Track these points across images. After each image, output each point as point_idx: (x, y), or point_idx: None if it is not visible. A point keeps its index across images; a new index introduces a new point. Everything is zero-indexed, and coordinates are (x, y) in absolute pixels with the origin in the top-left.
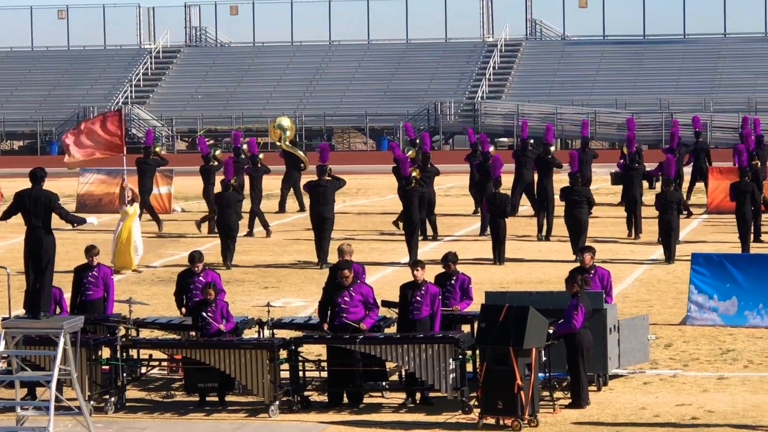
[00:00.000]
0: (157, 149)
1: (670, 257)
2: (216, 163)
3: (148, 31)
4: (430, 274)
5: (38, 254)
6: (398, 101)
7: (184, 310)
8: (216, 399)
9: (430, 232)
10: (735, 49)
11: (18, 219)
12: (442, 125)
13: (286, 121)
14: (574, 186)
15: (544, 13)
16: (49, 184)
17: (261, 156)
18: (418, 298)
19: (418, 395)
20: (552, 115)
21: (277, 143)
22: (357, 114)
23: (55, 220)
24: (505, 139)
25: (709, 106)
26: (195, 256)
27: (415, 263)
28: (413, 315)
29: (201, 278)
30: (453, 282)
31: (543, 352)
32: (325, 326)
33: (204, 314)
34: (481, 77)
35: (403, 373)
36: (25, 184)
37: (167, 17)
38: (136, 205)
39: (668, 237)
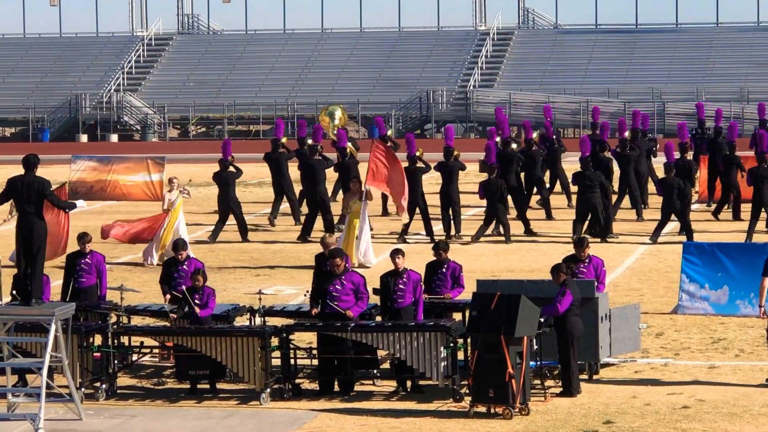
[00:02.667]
0: (284, 140)
1: (687, 228)
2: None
3: (140, 19)
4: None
5: (29, 240)
6: (390, 89)
7: (168, 296)
8: (207, 386)
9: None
10: (727, 38)
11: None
12: (434, 114)
13: (338, 111)
14: (586, 170)
15: (536, 2)
16: (41, 171)
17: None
18: (401, 286)
19: (409, 383)
20: (544, 104)
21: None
22: (349, 102)
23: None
24: None
25: (701, 95)
26: (179, 244)
27: (395, 251)
28: (397, 303)
29: (185, 266)
30: (444, 270)
31: (534, 340)
32: (314, 311)
33: (188, 298)
34: (473, 66)
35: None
36: (17, 170)
37: (160, 4)
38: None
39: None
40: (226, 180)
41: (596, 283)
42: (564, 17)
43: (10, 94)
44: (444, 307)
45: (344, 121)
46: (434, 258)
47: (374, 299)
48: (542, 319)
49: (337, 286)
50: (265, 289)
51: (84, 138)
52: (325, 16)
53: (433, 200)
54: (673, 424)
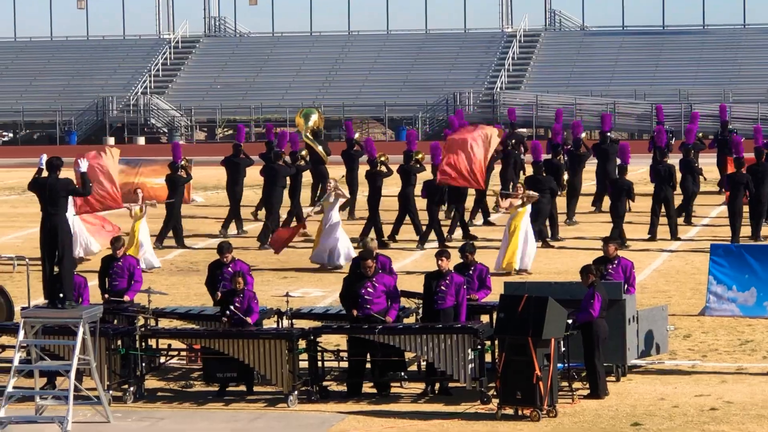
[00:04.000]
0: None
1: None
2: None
3: (167, 21)
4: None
5: (54, 242)
6: (417, 91)
7: (219, 294)
8: (237, 389)
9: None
10: (754, 39)
11: (38, 209)
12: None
13: (314, 114)
14: (538, 175)
15: (563, 3)
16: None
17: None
18: (442, 287)
19: (437, 385)
20: (571, 106)
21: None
22: (376, 104)
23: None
24: (524, 130)
25: (728, 97)
26: (224, 247)
27: (440, 253)
28: (438, 305)
29: (230, 269)
30: (471, 272)
31: (562, 342)
32: (355, 312)
33: (231, 308)
34: (500, 68)
35: (423, 363)
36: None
37: (186, 7)
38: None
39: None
40: (174, 183)
41: (626, 286)
42: (591, 19)
43: (38, 96)
44: (472, 310)
45: (319, 125)
46: (461, 261)
47: (402, 301)
48: (570, 321)
49: (368, 289)
50: (293, 292)
51: (111, 140)
52: (352, 18)
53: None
54: (701, 426)
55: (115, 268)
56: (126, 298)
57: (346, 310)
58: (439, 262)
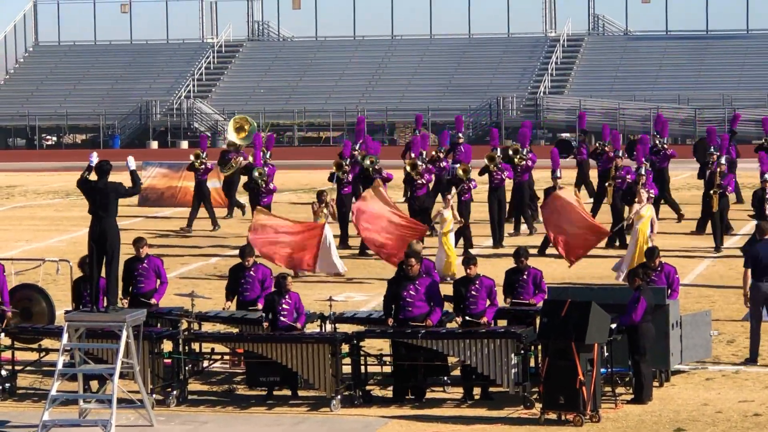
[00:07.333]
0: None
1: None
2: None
3: (210, 26)
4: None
5: (103, 246)
6: (460, 96)
7: (228, 304)
8: (280, 393)
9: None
10: None
11: (81, 212)
12: (504, 120)
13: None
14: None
15: (606, 8)
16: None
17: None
18: (473, 292)
19: (477, 391)
20: (614, 111)
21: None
22: (419, 109)
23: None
24: (567, 135)
25: None
26: (245, 251)
27: (467, 260)
28: (470, 310)
29: (252, 272)
30: (525, 277)
31: (605, 347)
32: (390, 321)
33: (280, 318)
34: (543, 72)
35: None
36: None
37: (230, 11)
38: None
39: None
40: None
41: (669, 291)
42: (634, 24)
43: (81, 100)
44: (526, 315)
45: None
46: (515, 265)
47: (446, 306)
48: (613, 326)
49: (411, 292)
50: (336, 296)
51: (154, 144)
52: (395, 22)
53: None
54: None
55: (140, 270)
56: (153, 301)
57: (385, 313)
58: (468, 270)
